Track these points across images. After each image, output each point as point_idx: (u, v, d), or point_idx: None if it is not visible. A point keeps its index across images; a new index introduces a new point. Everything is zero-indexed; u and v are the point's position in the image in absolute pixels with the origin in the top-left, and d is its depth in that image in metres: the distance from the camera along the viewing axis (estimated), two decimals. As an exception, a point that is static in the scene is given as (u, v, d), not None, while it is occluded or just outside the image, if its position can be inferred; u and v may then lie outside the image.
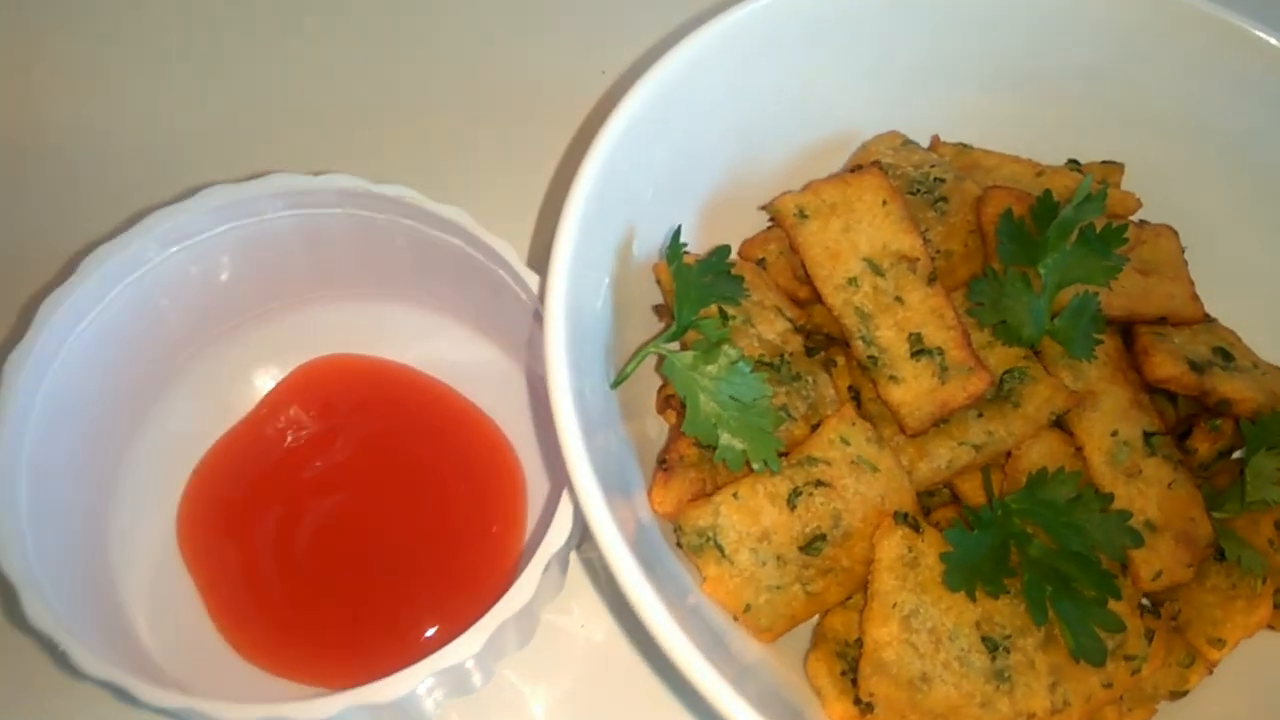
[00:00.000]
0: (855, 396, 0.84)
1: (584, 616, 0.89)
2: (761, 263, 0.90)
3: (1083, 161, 0.96)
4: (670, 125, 0.82)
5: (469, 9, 1.18)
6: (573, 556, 0.88)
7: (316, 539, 0.84)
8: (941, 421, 0.81)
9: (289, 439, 0.89)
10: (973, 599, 0.72)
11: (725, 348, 0.76)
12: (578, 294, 0.71)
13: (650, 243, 0.84)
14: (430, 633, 0.80)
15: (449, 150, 1.08)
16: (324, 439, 0.88)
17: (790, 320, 0.85)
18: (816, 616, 0.80)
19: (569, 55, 1.16)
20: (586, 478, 0.65)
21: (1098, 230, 0.81)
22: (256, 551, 0.84)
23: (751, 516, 0.76)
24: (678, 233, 0.78)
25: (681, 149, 0.85)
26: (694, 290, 0.78)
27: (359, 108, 1.11)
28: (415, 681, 0.63)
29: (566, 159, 1.08)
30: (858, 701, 0.73)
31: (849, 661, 0.76)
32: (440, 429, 0.87)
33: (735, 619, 0.77)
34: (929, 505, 0.85)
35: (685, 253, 0.81)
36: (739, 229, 0.93)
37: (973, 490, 0.82)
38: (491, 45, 1.17)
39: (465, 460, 0.86)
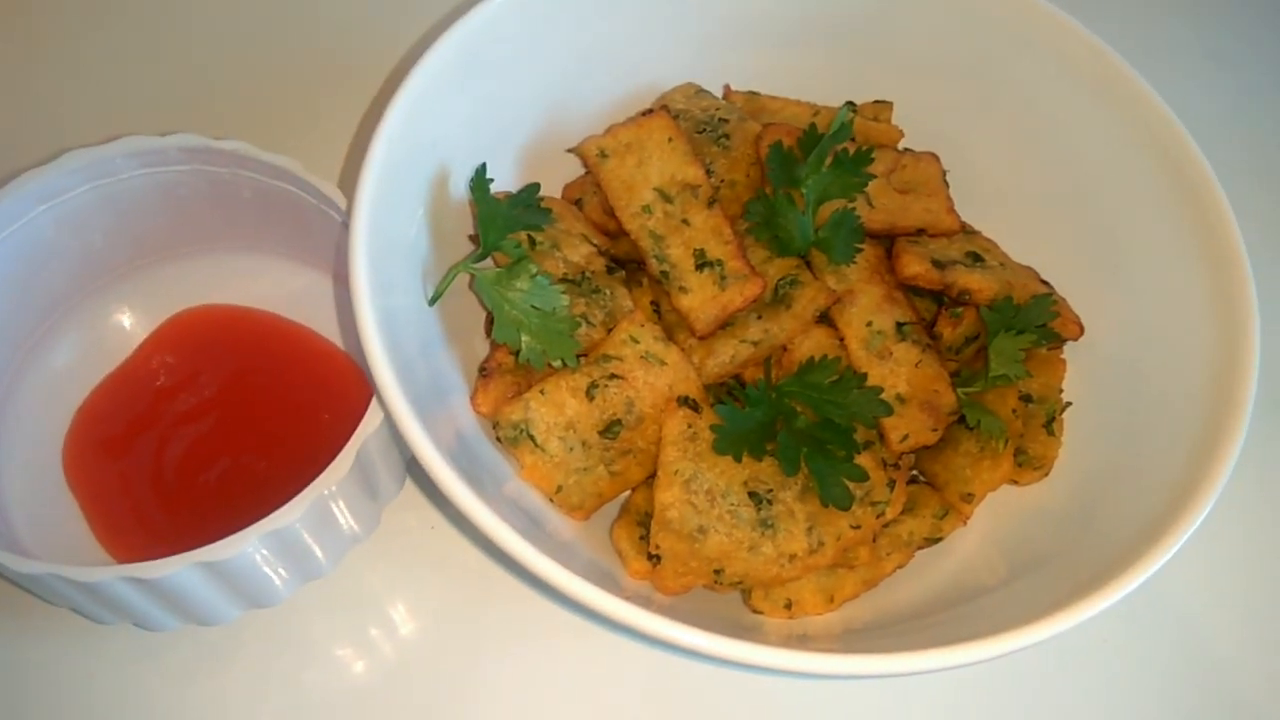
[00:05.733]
0: (656, 309, 0.97)
1: (435, 521, 1.00)
2: (579, 202, 1.03)
3: (858, 103, 1.10)
4: (479, 75, 0.94)
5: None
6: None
7: (186, 459, 0.95)
8: (727, 324, 0.94)
9: (160, 380, 0.99)
10: (739, 461, 0.85)
11: (527, 264, 0.88)
12: (386, 220, 0.82)
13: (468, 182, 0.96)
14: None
15: (282, 105, 1.20)
16: (191, 378, 0.99)
17: (595, 246, 0.97)
18: (623, 496, 0.93)
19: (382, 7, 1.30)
20: (386, 374, 0.74)
21: (850, 154, 0.95)
22: (134, 474, 0.94)
23: (557, 409, 0.88)
24: (482, 168, 0.90)
25: (494, 98, 0.97)
26: (501, 218, 0.90)
27: (200, 72, 1.23)
28: (244, 544, 0.74)
29: (374, 106, 1.20)
30: (650, 557, 0.85)
31: (646, 528, 0.88)
32: (292, 360, 0.98)
33: (551, 501, 0.90)
34: (721, 396, 0.98)
35: (499, 191, 0.93)
36: (561, 174, 1.05)
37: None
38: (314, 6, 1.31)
39: (316, 382, 0.97)
